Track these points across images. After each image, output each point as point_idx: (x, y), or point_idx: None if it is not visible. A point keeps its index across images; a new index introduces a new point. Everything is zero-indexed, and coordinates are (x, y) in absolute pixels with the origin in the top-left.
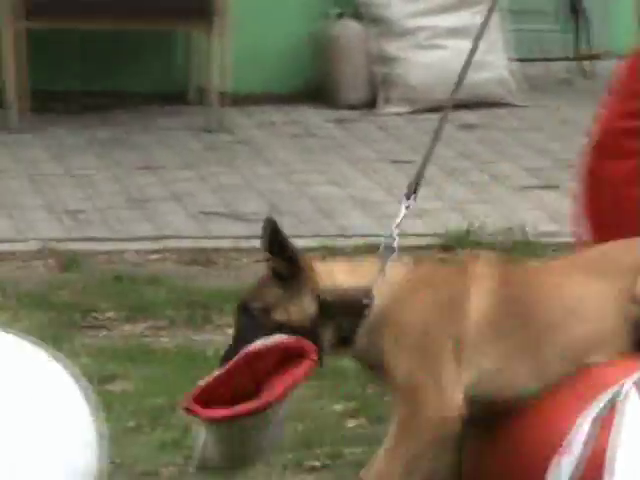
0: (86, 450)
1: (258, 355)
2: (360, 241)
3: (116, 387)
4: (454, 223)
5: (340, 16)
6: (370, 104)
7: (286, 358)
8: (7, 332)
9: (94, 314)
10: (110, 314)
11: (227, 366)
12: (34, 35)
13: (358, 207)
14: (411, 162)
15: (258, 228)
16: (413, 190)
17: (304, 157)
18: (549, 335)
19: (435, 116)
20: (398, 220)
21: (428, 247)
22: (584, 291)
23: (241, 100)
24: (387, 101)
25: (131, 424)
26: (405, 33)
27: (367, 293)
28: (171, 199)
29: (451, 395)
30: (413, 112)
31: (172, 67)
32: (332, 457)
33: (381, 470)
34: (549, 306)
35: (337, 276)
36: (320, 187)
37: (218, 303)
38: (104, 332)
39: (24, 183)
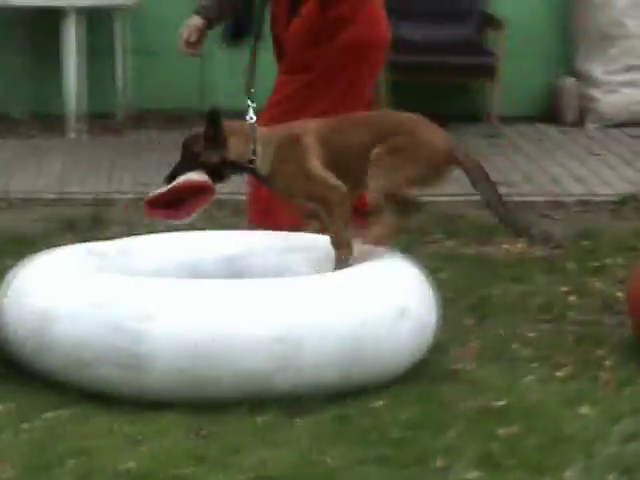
0: None
1: (186, 183)
2: None
3: None
4: None
5: None
6: None
7: (199, 189)
8: None
9: None
10: None
11: (169, 187)
12: None
13: None
14: None
15: None
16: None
17: None
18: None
19: None
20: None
21: None
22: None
23: None
24: None
25: None
26: None
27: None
28: None
29: (340, 184)
30: None
31: None
32: None
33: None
34: (344, 149)
35: (236, 144)
36: None
37: None
38: None
39: None
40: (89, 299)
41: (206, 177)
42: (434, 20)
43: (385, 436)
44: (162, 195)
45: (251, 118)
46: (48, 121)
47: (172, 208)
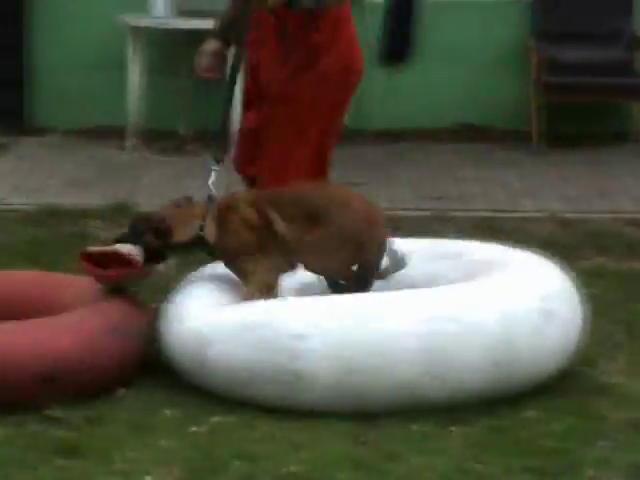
0: None
1: (116, 252)
2: None
3: None
4: None
5: None
6: None
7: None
8: None
9: None
10: None
11: (103, 249)
12: None
13: None
14: None
15: None
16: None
17: None
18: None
19: None
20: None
21: None
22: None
23: None
24: None
25: None
26: None
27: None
28: None
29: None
30: None
31: None
32: None
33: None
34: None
35: (183, 228)
36: None
37: None
38: None
39: None
40: (245, 319)
41: (138, 254)
42: (586, 42)
43: (537, 446)
44: (97, 253)
45: (212, 184)
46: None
47: (100, 268)
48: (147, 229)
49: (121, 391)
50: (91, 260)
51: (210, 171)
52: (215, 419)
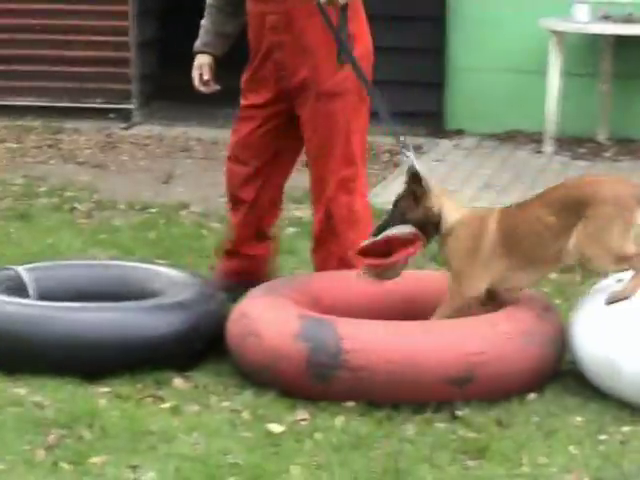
0: None
1: (394, 237)
2: None
3: None
4: None
5: None
6: None
7: (407, 241)
8: None
9: None
10: None
11: (379, 238)
12: None
13: None
14: None
15: None
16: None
17: None
18: (532, 253)
19: None
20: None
21: None
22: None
23: None
24: None
25: None
26: None
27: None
28: None
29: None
30: None
31: None
32: None
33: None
34: (529, 234)
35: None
36: None
37: None
38: None
39: None
40: None
41: (414, 230)
42: None
43: None
44: (371, 245)
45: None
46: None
47: (381, 258)
48: (406, 199)
49: (531, 395)
50: (367, 256)
51: (408, 159)
52: (626, 429)
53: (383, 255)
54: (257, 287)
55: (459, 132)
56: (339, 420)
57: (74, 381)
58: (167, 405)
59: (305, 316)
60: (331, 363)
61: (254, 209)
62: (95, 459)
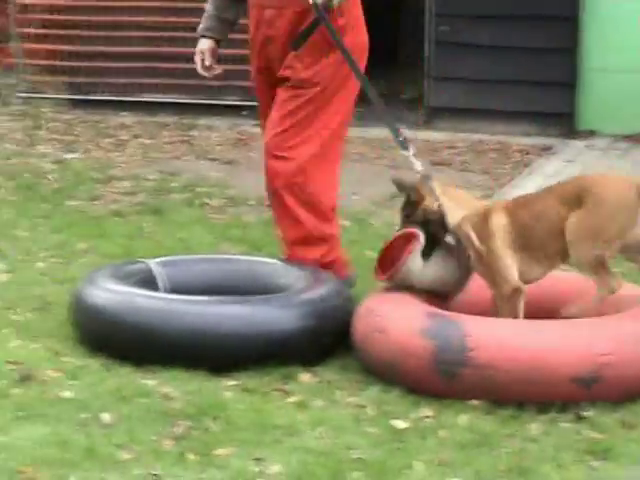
0: None
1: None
2: None
3: None
4: None
5: None
6: None
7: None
8: None
9: None
10: None
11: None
12: None
13: None
14: None
15: None
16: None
17: None
18: (543, 246)
19: None
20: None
21: None
22: (557, 215)
23: None
24: None
25: None
26: None
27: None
28: None
29: (514, 279)
30: None
31: None
32: None
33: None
34: (540, 227)
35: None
36: None
37: None
38: None
39: None
40: None
41: (414, 229)
42: None
43: None
44: (382, 257)
45: (421, 170)
46: None
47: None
48: (406, 203)
49: None
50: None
51: (408, 159)
52: None
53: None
54: (380, 284)
55: (591, 133)
56: (463, 418)
57: (202, 373)
58: (293, 399)
59: (431, 313)
60: (456, 360)
61: None
62: (220, 451)
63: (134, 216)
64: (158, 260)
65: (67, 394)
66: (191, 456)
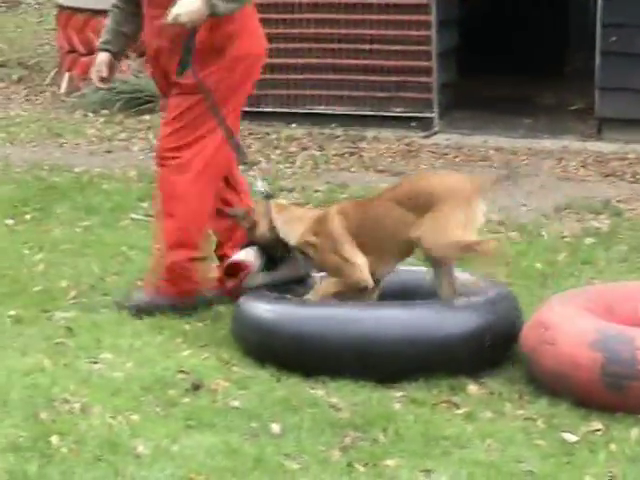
0: None
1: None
2: None
3: None
4: None
5: None
6: None
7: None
8: None
9: None
10: None
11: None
12: None
13: None
14: None
15: None
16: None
17: None
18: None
19: None
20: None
21: None
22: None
23: None
24: None
25: None
26: None
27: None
28: None
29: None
30: None
31: None
32: None
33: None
34: (380, 227)
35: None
36: None
37: None
38: None
39: None
40: None
41: (252, 254)
42: None
43: None
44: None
45: (261, 191)
46: None
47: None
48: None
49: None
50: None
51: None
52: None
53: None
54: (554, 296)
55: None
56: (635, 431)
57: (369, 384)
58: (461, 411)
59: (601, 326)
60: (626, 373)
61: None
62: (389, 462)
63: None
64: None
65: (236, 403)
66: (360, 467)
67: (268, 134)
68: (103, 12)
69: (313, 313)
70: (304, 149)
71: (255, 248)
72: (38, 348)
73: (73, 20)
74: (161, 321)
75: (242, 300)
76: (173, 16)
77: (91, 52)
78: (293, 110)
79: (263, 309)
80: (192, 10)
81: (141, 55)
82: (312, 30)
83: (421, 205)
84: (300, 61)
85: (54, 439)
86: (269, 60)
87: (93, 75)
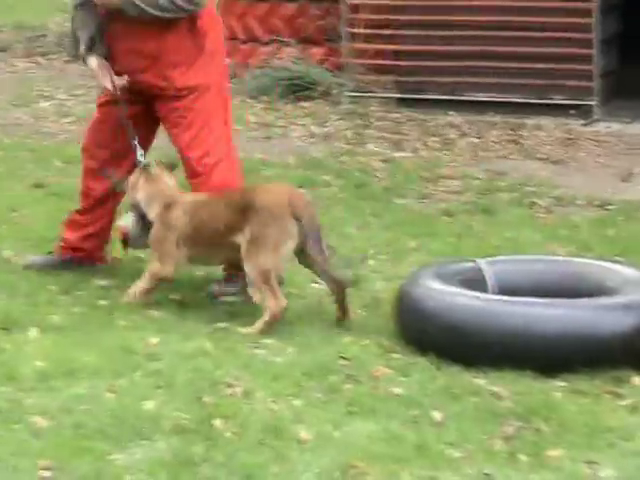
0: None
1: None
2: None
3: None
4: None
5: None
6: None
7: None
8: None
9: None
10: None
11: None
12: None
13: None
14: None
15: None
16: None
17: None
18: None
19: None
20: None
21: None
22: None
23: None
24: None
25: None
26: None
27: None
28: None
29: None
30: None
31: None
32: None
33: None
34: (210, 225)
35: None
36: None
37: None
38: None
39: None
40: None
41: (131, 219)
42: None
43: None
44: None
45: (139, 162)
46: None
47: None
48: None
49: None
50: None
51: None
52: None
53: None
54: None
55: None
56: None
57: (531, 374)
58: (626, 402)
59: None
60: None
61: None
62: (552, 452)
63: (463, 215)
64: (488, 260)
65: (397, 390)
66: (522, 457)
67: (426, 121)
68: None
69: (481, 304)
70: (463, 136)
71: (134, 213)
72: (201, 332)
73: (234, 7)
74: (320, 306)
75: (404, 288)
76: None
77: (251, 39)
78: (452, 97)
79: (425, 298)
80: None
81: (300, 41)
82: (474, 17)
83: (244, 214)
84: (459, 48)
85: (218, 422)
86: (430, 48)
87: (105, 80)
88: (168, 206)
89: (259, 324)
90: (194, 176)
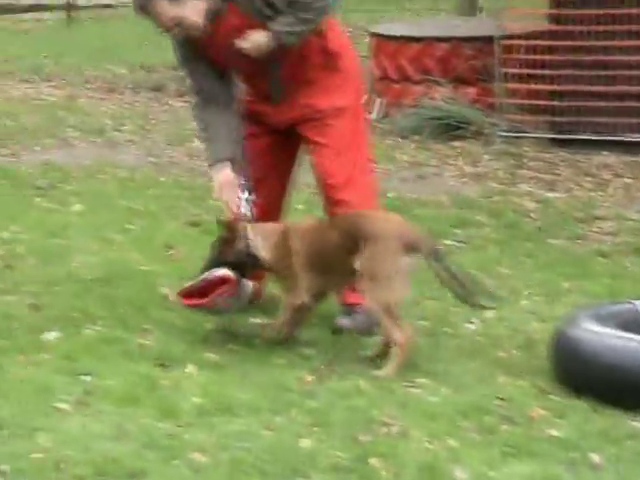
0: None
1: (209, 280)
2: None
3: None
4: None
5: None
6: None
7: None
8: None
9: None
10: None
11: (197, 281)
12: None
13: None
14: None
15: None
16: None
17: None
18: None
19: None
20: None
21: None
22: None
23: None
24: None
25: None
26: None
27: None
28: None
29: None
30: None
31: None
32: None
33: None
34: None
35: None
36: None
37: None
38: None
39: None
40: None
41: (229, 272)
42: None
43: None
44: (190, 288)
45: (246, 213)
46: None
47: (202, 298)
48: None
49: None
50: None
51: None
52: None
53: (202, 295)
54: None
55: None
56: None
57: None
58: None
59: None
60: None
61: None
62: None
63: (617, 256)
64: None
65: (554, 432)
66: None
67: (579, 161)
68: (415, 39)
69: (632, 347)
70: (617, 176)
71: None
72: (355, 371)
73: (386, 47)
74: (473, 346)
75: (561, 330)
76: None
77: (403, 79)
78: (606, 138)
79: (583, 339)
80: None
81: (452, 81)
82: (629, 57)
83: (356, 241)
84: (615, 89)
85: (374, 461)
86: (582, 88)
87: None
88: (284, 234)
89: (392, 364)
90: (332, 203)
